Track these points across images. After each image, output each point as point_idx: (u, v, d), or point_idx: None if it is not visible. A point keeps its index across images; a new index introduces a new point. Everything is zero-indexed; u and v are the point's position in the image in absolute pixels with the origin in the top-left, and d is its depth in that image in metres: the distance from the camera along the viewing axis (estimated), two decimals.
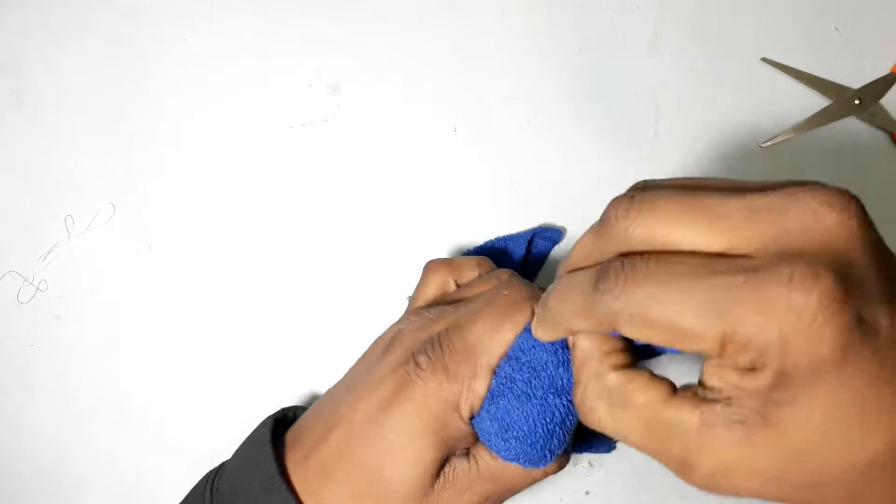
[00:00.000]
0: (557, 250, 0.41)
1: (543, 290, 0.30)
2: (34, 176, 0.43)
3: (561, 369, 0.28)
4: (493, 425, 0.29)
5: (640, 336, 0.22)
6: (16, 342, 0.42)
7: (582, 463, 0.40)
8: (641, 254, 0.22)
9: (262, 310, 0.41)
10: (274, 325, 0.41)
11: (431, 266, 0.36)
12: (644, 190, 0.23)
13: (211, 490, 0.33)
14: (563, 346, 0.28)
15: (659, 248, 0.22)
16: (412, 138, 0.42)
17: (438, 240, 0.42)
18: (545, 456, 0.29)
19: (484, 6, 0.43)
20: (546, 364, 0.28)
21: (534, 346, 0.28)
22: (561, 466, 0.32)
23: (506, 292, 0.30)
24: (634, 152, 0.42)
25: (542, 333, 0.27)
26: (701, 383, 0.22)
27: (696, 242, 0.21)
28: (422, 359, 0.30)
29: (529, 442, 0.28)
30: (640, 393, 0.23)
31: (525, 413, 0.28)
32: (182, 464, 0.41)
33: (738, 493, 0.22)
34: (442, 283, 0.35)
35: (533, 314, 0.29)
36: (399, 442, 0.29)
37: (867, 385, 0.19)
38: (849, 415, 0.19)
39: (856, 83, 0.42)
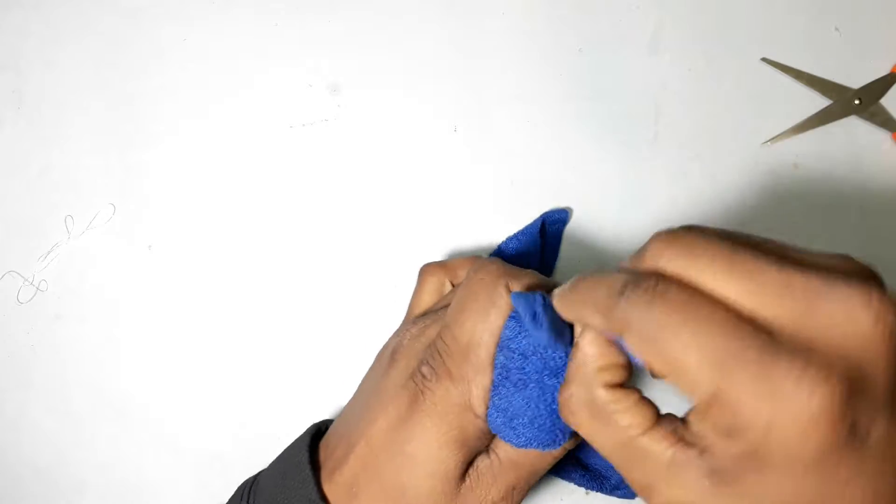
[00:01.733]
0: (569, 231, 0.41)
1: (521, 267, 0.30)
2: (34, 176, 0.43)
3: (550, 350, 0.28)
4: (499, 417, 0.29)
5: (641, 354, 0.22)
6: (16, 342, 0.42)
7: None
8: (678, 282, 0.22)
9: (261, 310, 0.41)
10: (273, 325, 0.41)
11: (426, 269, 0.36)
12: (688, 231, 0.23)
13: None
14: (549, 326, 0.28)
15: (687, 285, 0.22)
16: (412, 138, 0.42)
17: (438, 239, 0.42)
18: (556, 437, 0.29)
19: (484, 6, 0.43)
20: (535, 347, 0.28)
21: (520, 333, 0.28)
22: (577, 441, 0.31)
23: (479, 276, 0.30)
24: (634, 152, 0.42)
25: (560, 307, 0.26)
26: (684, 421, 0.23)
27: (725, 296, 0.21)
28: (425, 369, 0.30)
29: (537, 426, 0.29)
30: (622, 416, 0.24)
31: (525, 399, 0.28)
32: (182, 464, 0.41)
33: None
34: (438, 287, 0.35)
35: (508, 291, 0.29)
36: (420, 455, 0.29)
37: (836, 492, 0.20)
38: None
39: (856, 83, 0.42)
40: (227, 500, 0.35)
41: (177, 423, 0.41)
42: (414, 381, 0.30)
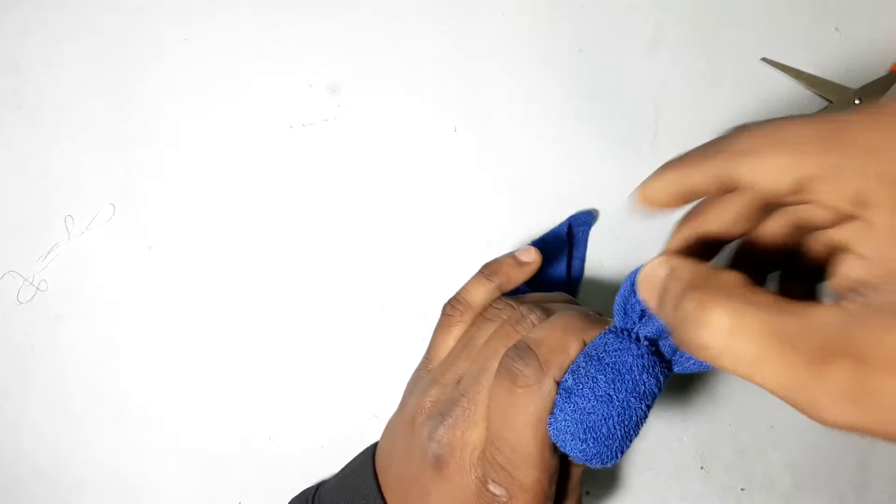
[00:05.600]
0: (595, 234, 0.41)
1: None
2: (34, 176, 0.43)
3: (645, 374, 0.28)
4: (570, 425, 0.28)
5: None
6: (16, 342, 0.42)
7: None
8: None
9: (260, 310, 0.41)
10: (272, 325, 0.41)
11: (449, 310, 0.35)
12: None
13: None
14: (648, 351, 0.28)
15: None
16: (412, 138, 0.42)
17: (438, 240, 0.42)
18: (616, 456, 0.29)
19: (484, 6, 0.43)
20: (631, 367, 0.28)
21: (619, 349, 0.28)
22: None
23: (520, 383, 0.29)
24: (634, 152, 0.42)
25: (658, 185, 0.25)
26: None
27: None
28: (496, 490, 0.30)
29: (607, 444, 0.28)
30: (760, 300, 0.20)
31: (606, 414, 0.28)
32: (182, 464, 0.41)
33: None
34: (462, 331, 0.35)
35: (556, 384, 0.29)
36: None
37: None
38: None
39: (856, 83, 0.42)
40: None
41: (177, 423, 0.41)
42: (432, 461, 0.31)
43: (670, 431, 0.40)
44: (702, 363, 0.28)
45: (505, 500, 0.29)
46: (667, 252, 0.26)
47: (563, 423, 0.28)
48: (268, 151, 0.42)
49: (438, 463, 0.31)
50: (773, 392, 0.20)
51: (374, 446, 0.35)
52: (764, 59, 0.42)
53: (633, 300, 0.28)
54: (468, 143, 0.42)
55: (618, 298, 0.28)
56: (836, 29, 0.42)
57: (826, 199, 0.22)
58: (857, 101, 0.41)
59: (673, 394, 0.41)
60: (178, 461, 0.41)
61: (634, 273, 0.27)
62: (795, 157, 0.22)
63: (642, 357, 0.28)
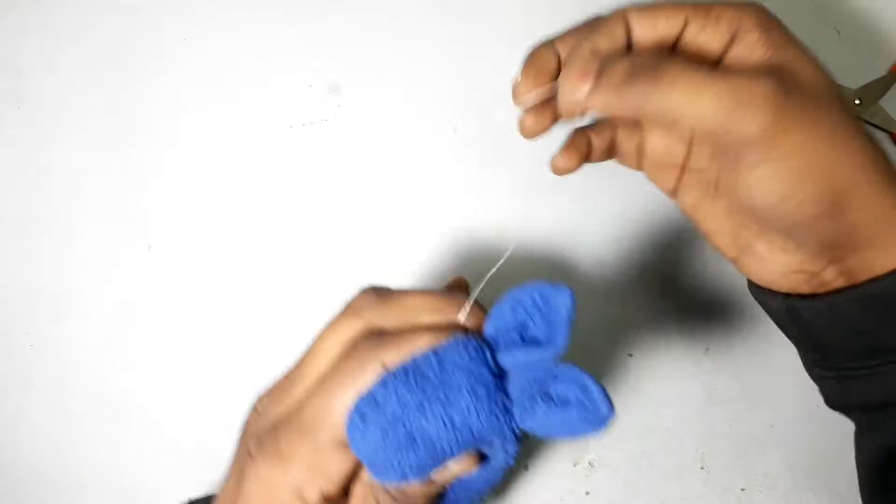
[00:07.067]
0: (571, 230, 0.41)
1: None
2: (34, 176, 0.43)
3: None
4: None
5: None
6: (16, 342, 0.42)
7: (582, 463, 0.40)
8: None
9: (260, 309, 0.41)
10: (273, 324, 0.41)
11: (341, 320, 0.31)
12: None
13: None
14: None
15: None
16: (412, 138, 0.42)
17: (437, 241, 0.42)
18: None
19: (484, 6, 0.43)
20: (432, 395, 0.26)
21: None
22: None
23: (352, 353, 0.27)
24: None
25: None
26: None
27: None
28: (252, 446, 0.27)
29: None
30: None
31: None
32: (182, 464, 0.41)
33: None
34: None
35: (384, 368, 0.26)
36: None
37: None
38: None
39: (856, 83, 0.42)
40: None
41: (177, 423, 0.41)
42: (239, 459, 0.27)
43: (670, 431, 0.40)
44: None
45: (253, 462, 0.27)
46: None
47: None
48: (268, 151, 0.42)
49: (242, 429, 0.29)
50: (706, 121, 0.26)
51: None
52: None
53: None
54: (468, 143, 0.42)
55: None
56: (836, 29, 0.42)
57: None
58: (857, 102, 0.41)
59: (673, 393, 0.41)
60: (178, 461, 0.41)
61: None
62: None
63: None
